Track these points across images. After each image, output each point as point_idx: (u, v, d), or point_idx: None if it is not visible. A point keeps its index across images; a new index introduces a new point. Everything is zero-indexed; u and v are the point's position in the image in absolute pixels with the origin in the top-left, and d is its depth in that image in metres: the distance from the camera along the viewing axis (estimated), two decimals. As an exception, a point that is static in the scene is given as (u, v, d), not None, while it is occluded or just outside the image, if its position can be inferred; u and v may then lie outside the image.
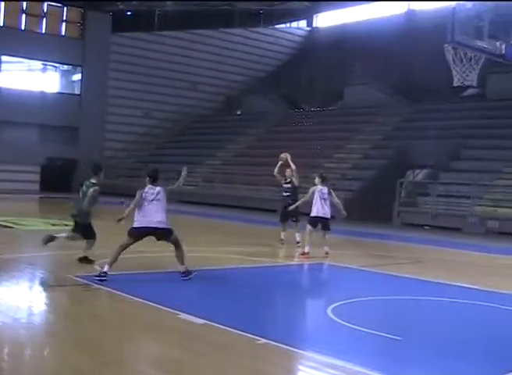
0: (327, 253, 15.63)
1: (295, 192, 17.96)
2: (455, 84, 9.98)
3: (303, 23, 59.30)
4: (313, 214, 15.98)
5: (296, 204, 16.98)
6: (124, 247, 11.30)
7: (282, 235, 17.99)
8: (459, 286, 12.48)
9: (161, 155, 45.10)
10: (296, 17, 58.64)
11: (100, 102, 46.50)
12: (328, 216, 16.00)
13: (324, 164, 35.82)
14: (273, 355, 7.33)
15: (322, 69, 48.58)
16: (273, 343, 7.57)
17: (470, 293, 11.90)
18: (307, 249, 15.69)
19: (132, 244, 11.30)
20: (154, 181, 11.51)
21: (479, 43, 9.18)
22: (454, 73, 9.77)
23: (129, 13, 50.98)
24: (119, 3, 48.03)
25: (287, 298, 10.95)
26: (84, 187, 12.55)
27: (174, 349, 7.46)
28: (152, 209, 11.17)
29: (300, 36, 58.58)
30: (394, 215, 30.05)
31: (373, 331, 8.34)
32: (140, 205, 11.24)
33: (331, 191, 16.26)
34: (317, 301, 10.40)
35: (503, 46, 9.32)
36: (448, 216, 28.23)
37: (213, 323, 8.31)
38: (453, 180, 29.83)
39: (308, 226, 15.95)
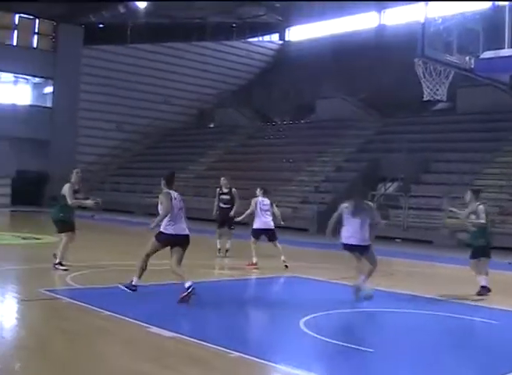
0: (284, 261, 15.82)
1: (234, 202, 18.03)
2: (425, 99, 10.08)
3: (275, 37, 59.62)
4: (255, 226, 16.32)
5: (242, 216, 17.07)
6: (150, 254, 11.01)
7: (219, 243, 17.98)
8: (430, 298, 12.55)
9: (132, 169, 45.00)
10: (268, 31, 58.94)
11: (71, 115, 46.23)
12: (271, 226, 16.27)
13: (296, 177, 35.98)
14: (246, 369, 7.31)
15: (294, 82, 48.79)
16: (246, 356, 7.55)
17: (441, 305, 11.97)
18: (254, 260, 15.88)
19: (158, 251, 11.04)
20: (170, 186, 11.37)
21: (448, 57, 9.28)
22: (424, 87, 9.86)
23: (101, 26, 50.85)
24: (91, 15, 47.91)
25: (259, 311, 10.94)
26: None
27: (144, 363, 7.40)
28: (181, 216, 11.05)
29: (272, 49, 58.88)
30: (366, 228, 30.12)
31: (345, 344, 8.37)
32: (170, 212, 10.86)
33: (272, 203, 16.62)
34: (289, 314, 10.38)
35: (472, 60, 9.43)
36: (419, 228, 28.41)
37: (184, 337, 8.28)
38: (424, 193, 30.05)
39: (252, 238, 16.26)
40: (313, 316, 10.02)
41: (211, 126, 51.46)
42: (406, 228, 28.62)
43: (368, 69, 43.93)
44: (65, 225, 13.68)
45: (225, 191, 18.21)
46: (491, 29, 9.85)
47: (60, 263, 13.19)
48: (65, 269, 13.01)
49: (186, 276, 10.63)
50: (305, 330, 9.02)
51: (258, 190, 16.79)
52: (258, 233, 16.29)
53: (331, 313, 10.55)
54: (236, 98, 52.24)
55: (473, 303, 12.16)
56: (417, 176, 32.27)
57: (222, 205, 18.04)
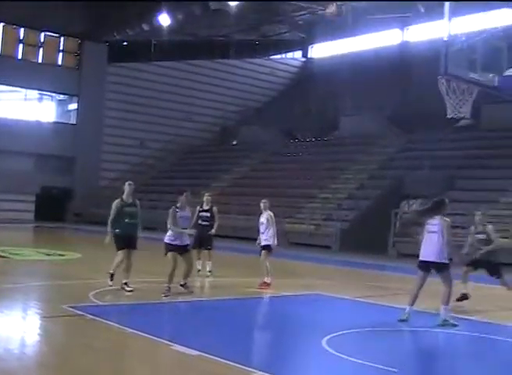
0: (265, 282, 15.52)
1: (213, 219, 17.41)
2: (449, 116, 10.04)
3: (298, 54, 59.73)
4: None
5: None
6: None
7: (198, 264, 16.96)
8: (456, 317, 12.42)
9: (155, 185, 45.10)
10: (291, 48, 59.08)
11: (95, 132, 46.63)
12: (267, 242, 15.63)
13: (319, 194, 35.89)
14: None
15: (317, 99, 48.81)
16: (268, 375, 7.52)
17: (467, 324, 11.85)
18: (269, 279, 15.42)
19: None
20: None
21: (472, 75, 9.24)
22: (448, 105, 9.83)
23: (125, 43, 51.27)
24: (115, 33, 48.35)
25: (281, 329, 10.89)
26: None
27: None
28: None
29: (295, 66, 58.98)
30: (389, 245, 30.02)
31: (368, 363, 8.30)
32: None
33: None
34: (311, 333, 10.33)
35: (496, 78, 9.39)
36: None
37: (207, 355, 8.25)
38: (448, 211, 29.77)
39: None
40: (336, 334, 9.97)
41: (235, 143, 51.54)
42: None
43: (391, 86, 43.84)
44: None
45: (205, 207, 17.51)
46: (515, 46, 9.81)
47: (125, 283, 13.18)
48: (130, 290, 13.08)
49: None
50: (328, 348, 8.97)
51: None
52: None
53: (353, 332, 10.48)
54: (260, 115, 52.34)
55: (495, 322, 12.03)
56: (441, 193, 32.02)
57: (200, 222, 17.04)
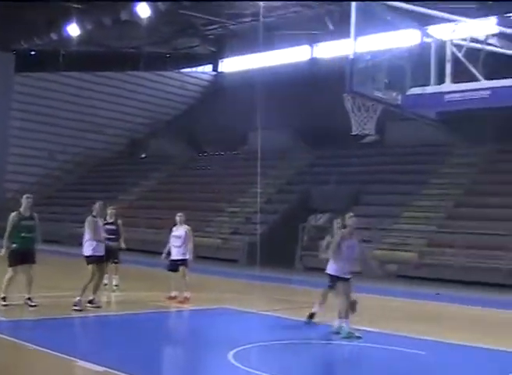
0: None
1: (119, 233, 17.26)
2: (353, 133, 10.27)
3: (209, 68, 59.86)
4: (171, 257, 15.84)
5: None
6: None
7: (106, 278, 16.43)
8: (359, 329, 12.63)
9: (62, 198, 44.33)
10: (202, 62, 59.16)
11: (1, 143, 45.48)
12: (184, 257, 15.67)
13: (228, 208, 35.98)
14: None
15: (227, 113, 48.94)
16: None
17: (369, 336, 12.06)
18: (188, 294, 15.46)
19: None
20: None
21: (377, 93, 9.49)
22: (353, 121, 10.05)
23: (33, 52, 50.25)
24: (22, 42, 47.34)
25: (188, 344, 10.87)
26: None
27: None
28: None
29: (205, 80, 59.07)
30: (296, 259, 30.30)
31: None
32: None
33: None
34: (218, 347, 10.33)
35: (399, 96, 9.66)
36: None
37: (113, 370, 8.15)
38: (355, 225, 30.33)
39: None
40: (242, 348, 9.99)
41: (143, 156, 51.17)
42: (336, 259, 28.80)
43: (301, 102, 44.38)
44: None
45: (109, 220, 17.06)
46: (418, 66, 10.11)
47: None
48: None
49: None
50: (234, 362, 8.99)
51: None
52: (174, 265, 15.77)
53: (259, 345, 10.54)
54: (169, 128, 52.12)
55: (399, 333, 12.31)
56: (347, 208, 32.58)
57: (106, 235, 15.82)
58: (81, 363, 8.48)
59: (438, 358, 10.53)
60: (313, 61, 50.51)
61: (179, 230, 15.78)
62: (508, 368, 9.70)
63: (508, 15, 31.61)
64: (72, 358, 8.68)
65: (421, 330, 12.62)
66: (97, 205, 13.44)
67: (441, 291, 21.19)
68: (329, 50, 49.21)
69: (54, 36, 45.70)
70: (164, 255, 16.00)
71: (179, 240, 15.66)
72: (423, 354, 10.55)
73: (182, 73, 57.84)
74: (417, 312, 13.64)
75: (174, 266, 15.59)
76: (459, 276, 25.31)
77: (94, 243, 13.22)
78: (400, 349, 10.84)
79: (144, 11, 41.39)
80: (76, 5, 41.58)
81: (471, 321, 15.13)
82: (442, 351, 11.15)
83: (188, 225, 16.26)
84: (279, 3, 43.60)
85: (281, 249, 29.73)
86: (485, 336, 12.69)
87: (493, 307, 17.92)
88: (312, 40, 50.23)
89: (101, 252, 13.32)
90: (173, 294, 15.50)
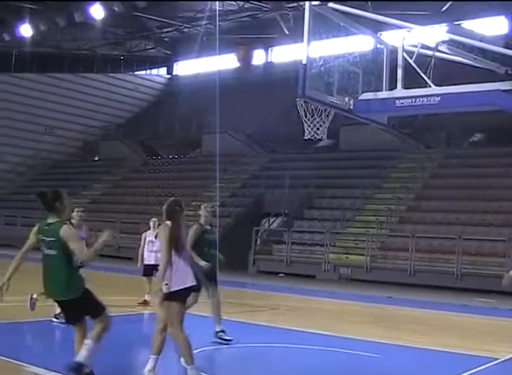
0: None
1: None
2: (306, 137, 10.32)
3: (163, 71, 59.69)
4: (145, 262, 15.89)
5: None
6: None
7: None
8: (312, 333, 12.70)
9: (13, 201, 43.73)
10: (156, 64, 58.96)
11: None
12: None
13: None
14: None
15: (181, 116, 48.86)
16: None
17: (322, 339, 12.13)
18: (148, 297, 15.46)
19: None
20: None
21: (329, 98, 9.55)
22: (305, 126, 10.10)
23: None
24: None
25: (139, 348, 10.78)
26: None
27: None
28: None
29: (159, 83, 58.88)
30: (250, 263, 30.34)
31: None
32: None
33: None
34: (170, 351, 10.27)
35: (351, 101, 9.74)
36: (302, 263, 28.82)
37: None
38: (307, 228, 30.58)
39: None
40: (194, 352, 9.94)
41: (96, 158, 50.77)
42: (289, 263, 28.97)
43: (255, 106, 44.51)
44: None
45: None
46: (370, 71, 10.19)
47: None
48: None
49: None
50: (186, 365, 8.92)
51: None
52: (149, 270, 15.67)
53: (212, 349, 10.52)
54: (123, 131, 51.81)
55: (352, 337, 12.40)
56: (300, 211, 32.79)
57: None
58: (33, 369, 8.36)
59: (391, 360, 10.62)
60: (268, 65, 50.67)
61: (153, 235, 15.75)
62: (458, 368, 9.83)
63: (458, 22, 32.12)
64: (23, 364, 8.56)
65: (374, 334, 12.73)
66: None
67: (393, 295, 21.42)
68: (284, 54, 49.42)
69: (6, 36, 45.13)
70: (140, 264, 16.00)
71: (155, 244, 15.60)
72: (377, 357, 10.63)
73: (136, 75, 57.59)
74: (369, 315, 13.77)
75: (149, 270, 15.52)
76: (411, 279, 25.66)
77: None
78: (354, 352, 10.90)
79: (98, 12, 41.12)
80: (29, 6, 41.14)
81: (423, 324, 15.30)
82: (395, 353, 11.25)
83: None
84: (234, 7, 43.73)
85: (234, 253, 29.71)
86: (437, 338, 12.86)
87: (444, 310, 18.18)
88: (267, 44, 50.38)
89: None
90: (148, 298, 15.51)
